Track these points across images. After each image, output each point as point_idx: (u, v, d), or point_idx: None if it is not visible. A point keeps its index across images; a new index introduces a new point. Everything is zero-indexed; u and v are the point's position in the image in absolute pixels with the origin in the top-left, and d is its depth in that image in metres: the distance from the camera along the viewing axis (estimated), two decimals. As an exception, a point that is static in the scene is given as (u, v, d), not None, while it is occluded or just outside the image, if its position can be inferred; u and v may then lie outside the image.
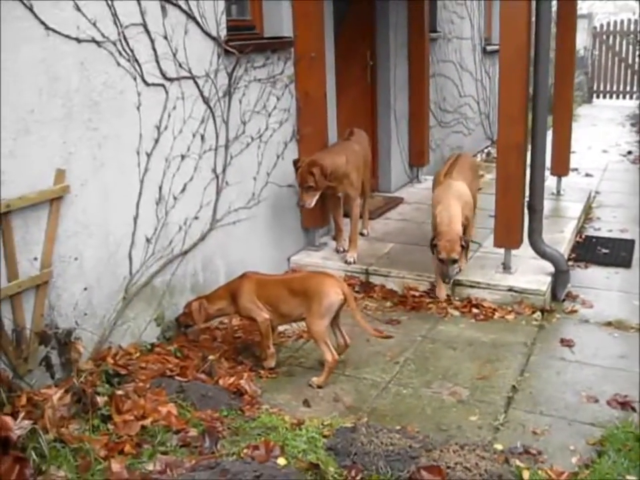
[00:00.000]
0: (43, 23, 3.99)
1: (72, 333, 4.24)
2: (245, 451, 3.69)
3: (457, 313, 5.79)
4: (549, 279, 6.03)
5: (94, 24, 4.32)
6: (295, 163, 6.19)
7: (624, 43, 20.92)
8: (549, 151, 7.91)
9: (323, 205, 6.63)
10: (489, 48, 12.54)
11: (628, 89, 21.16)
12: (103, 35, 4.39)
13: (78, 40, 4.23)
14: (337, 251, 6.80)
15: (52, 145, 4.13)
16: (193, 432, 3.91)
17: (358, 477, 3.54)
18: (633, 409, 4.36)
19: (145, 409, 4.02)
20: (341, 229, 6.85)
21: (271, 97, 6.13)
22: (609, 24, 21.26)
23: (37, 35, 3.98)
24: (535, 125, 5.97)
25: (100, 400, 3.92)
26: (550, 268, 6.11)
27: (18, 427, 3.45)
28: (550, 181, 8.44)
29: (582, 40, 19.63)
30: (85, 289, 4.44)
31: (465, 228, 5.97)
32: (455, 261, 5.70)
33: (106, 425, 3.85)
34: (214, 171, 5.47)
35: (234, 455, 3.68)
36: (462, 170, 6.37)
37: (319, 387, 4.64)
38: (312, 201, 6.08)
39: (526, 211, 6.06)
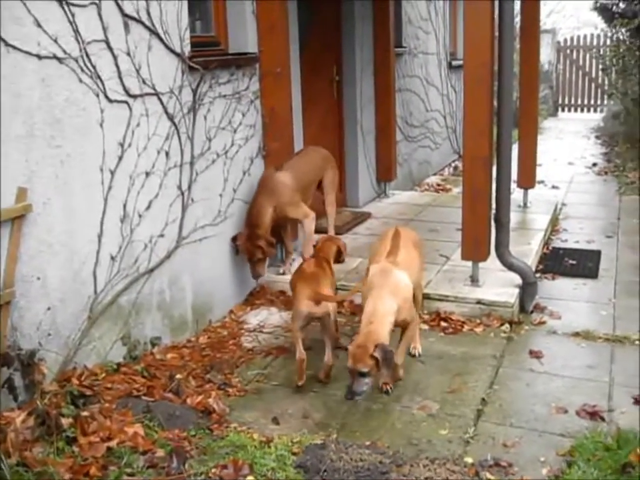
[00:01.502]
0: (2, 39, 3.93)
1: (35, 354, 4.17)
2: (213, 470, 3.67)
3: (425, 327, 5.77)
4: (516, 290, 6.04)
5: (55, 40, 4.27)
6: (234, 239, 6.10)
7: (587, 57, 21.21)
8: (515, 164, 7.97)
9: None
10: (454, 63, 12.64)
11: (592, 102, 21.48)
12: (64, 51, 4.34)
13: (39, 56, 4.18)
14: (281, 274, 6.57)
15: (13, 163, 4.06)
16: (160, 452, 3.86)
17: (328, 495, 3.51)
18: (602, 419, 4.37)
19: (111, 430, 3.96)
20: (290, 251, 6.80)
21: (237, 113, 6.10)
22: (572, 38, 21.59)
23: (-3, 52, 3.93)
24: (500, 138, 6.00)
25: (65, 422, 3.86)
26: (518, 280, 6.12)
27: (-20, 452, 3.39)
28: (517, 194, 8.49)
29: (546, 54, 19.89)
30: (49, 308, 4.37)
31: (403, 330, 4.82)
32: (363, 374, 4.31)
33: (71, 447, 3.79)
34: (179, 187, 5.43)
35: (202, 475, 3.65)
36: (407, 250, 5.01)
37: None
38: (264, 270, 6.21)
39: (493, 223, 6.07)
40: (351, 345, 4.40)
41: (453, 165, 13.03)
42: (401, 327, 4.76)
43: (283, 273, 6.51)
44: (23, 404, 4.07)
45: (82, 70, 4.50)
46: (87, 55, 4.52)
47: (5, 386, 4.06)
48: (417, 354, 5.24)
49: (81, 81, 4.50)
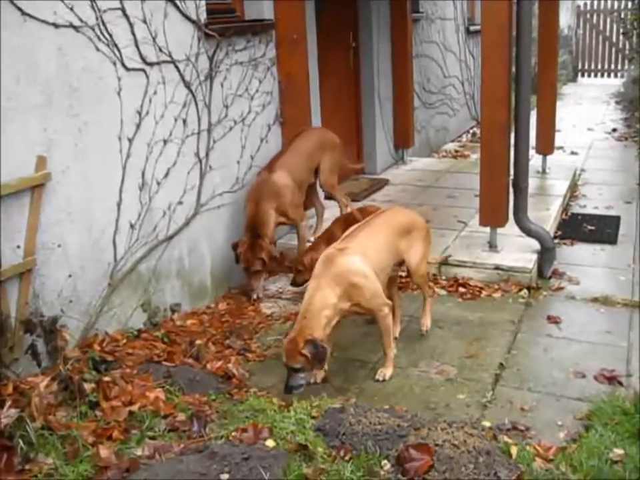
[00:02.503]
0: (19, 9, 3.94)
1: (57, 321, 4.21)
2: (233, 433, 3.68)
3: (443, 293, 5.79)
4: (535, 256, 6.04)
5: (71, 9, 4.28)
6: (235, 247, 5.73)
7: (608, 21, 20.90)
8: (534, 130, 7.93)
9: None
10: (472, 28, 12.52)
11: (612, 67, 21.17)
12: (80, 19, 4.35)
13: (55, 25, 4.19)
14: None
15: (32, 132, 4.09)
16: (181, 416, 3.90)
17: (347, 457, 3.53)
18: (620, 384, 4.38)
19: (133, 395, 4.01)
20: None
21: (253, 80, 6.10)
22: (592, 2, 21.24)
23: (14, 21, 3.93)
24: (518, 104, 5.96)
25: (87, 387, 3.90)
26: (536, 245, 6.12)
27: (5, 416, 3.44)
28: (535, 160, 8.46)
29: (566, 19, 19.63)
30: (70, 276, 4.42)
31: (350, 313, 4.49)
32: (296, 370, 4.20)
33: (93, 411, 3.83)
34: (197, 155, 5.45)
35: (222, 438, 3.67)
36: (375, 234, 4.65)
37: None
38: (260, 284, 5.82)
39: (511, 189, 6.05)
40: (284, 339, 4.32)
41: (471, 131, 12.95)
42: (371, 314, 4.62)
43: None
44: (46, 369, 4.12)
45: (98, 38, 4.51)
46: (103, 23, 4.52)
47: (29, 352, 4.12)
48: (381, 378, 4.59)
49: (97, 49, 4.51)
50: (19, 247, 4.06)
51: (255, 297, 5.76)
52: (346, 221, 5.50)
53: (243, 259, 5.65)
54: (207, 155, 5.54)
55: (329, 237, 5.37)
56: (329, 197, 7.01)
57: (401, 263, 4.86)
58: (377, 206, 5.96)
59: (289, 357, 4.18)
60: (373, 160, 9.04)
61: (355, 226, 4.76)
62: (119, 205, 4.75)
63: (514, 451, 3.58)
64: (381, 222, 4.77)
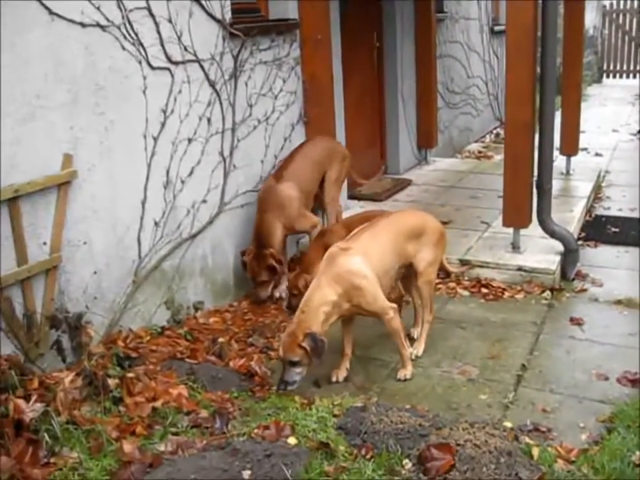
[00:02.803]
0: (47, 8, 3.99)
1: (82, 317, 4.28)
2: (255, 431, 3.71)
3: (466, 293, 5.79)
4: (558, 258, 6.02)
5: (98, 8, 4.32)
6: (243, 253, 5.67)
7: (634, 21, 20.74)
8: (558, 131, 7.89)
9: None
10: (496, 28, 12.49)
11: (638, 67, 20.99)
12: (107, 19, 4.39)
13: (82, 24, 4.24)
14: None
15: (59, 130, 4.14)
16: (204, 413, 3.94)
17: (368, 456, 3.54)
18: (643, 386, 4.36)
19: (156, 391, 4.05)
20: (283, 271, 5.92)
21: (277, 80, 6.13)
22: (618, 2, 21.07)
23: (42, 21, 3.98)
24: (542, 104, 5.94)
25: (111, 382, 3.94)
26: (559, 247, 6.09)
27: (30, 410, 3.49)
28: (559, 161, 8.42)
29: (591, 19, 19.49)
30: (95, 272, 4.47)
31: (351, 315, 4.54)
32: (293, 364, 4.22)
33: (117, 407, 3.87)
34: (221, 154, 5.49)
35: (244, 435, 3.69)
36: (380, 236, 4.60)
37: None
38: (268, 291, 5.68)
39: (535, 190, 6.04)
40: (282, 333, 4.32)
41: (494, 132, 12.91)
42: (375, 317, 4.56)
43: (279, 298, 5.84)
44: (70, 365, 4.18)
45: (124, 37, 4.55)
46: (130, 22, 4.57)
47: (54, 347, 4.18)
48: (403, 378, 4.58)
49: (123, 48, 4.55)
50: (45, 243, 4.11)
51: (264, 296, 5.67)
52: (327, 237, 5.35)
53: (249, 268, 5.58)
54: (230, 153, 5.57)
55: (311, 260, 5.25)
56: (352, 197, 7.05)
57: (410, 265, 4.80)
58: (378, 211, 5.75)
59: (287, 349, 4.18)
60: (396, 160, 9.04)
61: (361, 226, 4.72)
62: (143, 202, 4.79)
63: (535, 452, 3.58)
64: (388, 223, 4.73)
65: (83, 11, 4.22)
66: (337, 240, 4.75)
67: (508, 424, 3.93)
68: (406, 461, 3.51)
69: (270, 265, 5.51)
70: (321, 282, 4.30)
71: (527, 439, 3.73)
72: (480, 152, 11.34)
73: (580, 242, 6.74)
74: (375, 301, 4.38)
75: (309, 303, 4.26)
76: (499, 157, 10.35)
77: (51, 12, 4.01)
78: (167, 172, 4.97)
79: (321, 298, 4.25)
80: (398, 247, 4.63)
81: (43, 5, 3.96)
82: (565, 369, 4.66)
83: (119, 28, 4.48)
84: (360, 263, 4.37)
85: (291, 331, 4.21)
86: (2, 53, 3.75)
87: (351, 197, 7.67)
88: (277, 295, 5.78)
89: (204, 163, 5.30)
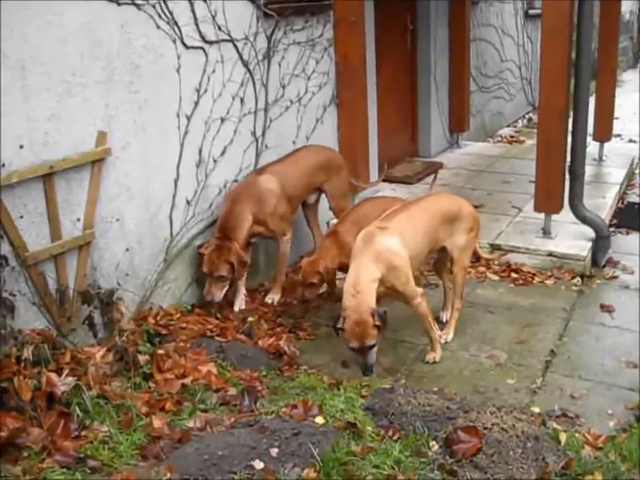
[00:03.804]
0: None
1: (114, 293, 4.32)
2: (283, 409, 3.74)
3: (495, 278, 5.77)
4: (589, 244, 5.98)
5: (134, -14, 4.34)
6: (200, 247, 5.05)
7: (671, 6, 20.45)
8: (592, 117, 7.81)
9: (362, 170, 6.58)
10: (531, 12, 12.34)
11: (674, 53, 20.70)
12: (143, -3, 4.41)
13: (118, 3, 4.26)
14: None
15: (94, 108, 4.17)
16: (233, 391, 3.99)
17: (395, 437, 3.56)
18: (673, 374, 4.34)
19: (185, 368, 4.09)
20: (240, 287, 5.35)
21: (310, 61, 6.12)
22: (656, -13, 20.78)
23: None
24: (577, 89, 5.89)
25: (141, 358, 3.99)
26: (590, 233, 6.05)
27: (62, 383, 3.54)
28: (592, 147, 8.33)
29: (628, 4, 19.23)
30: (127, 249, 4.51)
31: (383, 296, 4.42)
32: (371, 347, 4.15)
33: (147, 383, 3.93)
34: (253, 134, 5.50)
35: (272, 414, 3.72)
36: (415, 218, 4.57)
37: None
38: (221, 293, 4.95)
39: (567, 176, 6.00)
40: (346, 324, 4.11)
41: (526, 116, 12.79)
42: (404, 300, 4.49)
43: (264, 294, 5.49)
44: (101, 340, 4.23)
45: (159, 16, 4.56)
46: (164, 1, 4.58)
47: (85, 323, 4.23)
48: (431, 360, 4.60)
49: (158, 27, 4.57)
50: (78, 219, 4.15)
51: (216, 298, 4.96)
52: (339, 237, 5.09)
53: (207, 260, 4.88)
54: (263, 134, 5.59)
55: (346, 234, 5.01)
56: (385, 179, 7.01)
57: (442, 249, 4.81)
58: (389, 199, 5.48)
59: (364, 336, 4.08)
60: (427, 143, 9.00)
61: (394, 207, 4.71)
62: (175, 181, 4.83)
63: (563, 437, 3.57)
64: (422, 206, 4.70)
65: (119, -11, 4.25)
66: (350, 238, 4.66)
67: (535, 409, 3.93)
68: (433, 443, 3.52)
69: (230, 260, 4.90)
70: (364, 260, 4.20)
71: (555, 425, 3.73)
72: (512, 136, 11.25)
73: (612, 229, 6.69)
74: (408, 282, 4.35)
75: (359, 282, 4.15)
76: (530, 142, 10.27)
77: (87, -10, 4.04)
78: (200, 151, 5.00)
79: (369, 275, 4.16)
80: (431, 230, 4.60)
81: (80, -17, 3.99)
82: (594, 355, 4.64)
83: (153, 7, 4.50)
84: (397, 242, 4.33)
85: (358, 319, 4.08)
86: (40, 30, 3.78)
87: (383, 179, 7.63)
88: (235, 308, 5.19)
89: (236, 142, 5.32)
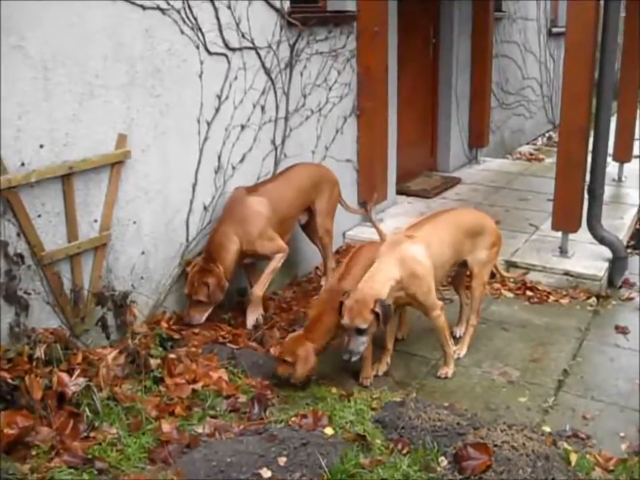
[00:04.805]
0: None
1: (128, 296, 4.32)
2: (293, 419, 3.74)
3: (510, 295, 5.75)
4: (606, 264, 5.94)
5: (159, -9, 4.36)
6: (188, 264, 4.83)
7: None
8: (612, 137, 7.77)
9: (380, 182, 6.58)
10: (554, 30, 12.34)
11: (697, 76, 20.55)
12: (167, 2, 4.42)
13: (143, 7, 4.27)
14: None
15: (115, 110, 4.18)
16: (243, 398, 3.99)
17: (404, 451, 3.55)
18: (687, 398, 4.29)
19: (197, 373, 4.10)
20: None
21: (332, 71, 6.13)
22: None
23: (104, 2, 4.02)
24: (599, 108, 5.86)
25: (153, 362, 4.00)
26: (608, 254, 6.02)
27: (73, 384, 3.55)
28: (611, 167, 8.28)
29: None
30: (143, 253, 4.52)
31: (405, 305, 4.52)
32: (361, 332, 4.07)
33: (158, 386, 3.93)
34: (273, 142, 5.51)
35: (282, 422, 3.72)
36: (441, 230, 4.57)
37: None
38: (202, 317, 4.74)
39: (586, 195, 5.97)
40: (346, 300, 4.08)
41: (546, 134, 12.77)
42: (423, 311, 4.47)
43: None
44: (114, 343, 4.23)
45: (184, 21, 4.57)
46: (189, 7, 4.59)
47: (99, 324, 4.23)
48: (443, 375, 4.57)
49: (182, 32, 4.58)
50: (96, 220, 4.16)
51: (195, 321, 4.75)
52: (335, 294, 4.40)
53: (189, 282, 4.71)
54: (282, 142, 5.60)
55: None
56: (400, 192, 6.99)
57: (462, 264, 4.80)
58: (374, 244, 4.88)
59: (356, 316, 4.02)
60: (446, 157, 9.00)
61: (420, 218, 4.72)
62: (194, 186, 4.83)
63: (573, 458, 3.55)
64: (448, 218, 4.71)
65: (145, -7, 4.26)
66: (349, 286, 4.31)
67: (546, 428, 3.92)
68: (442, 458, 3.51)
69: (207, 282, 4.67)
70: (386, 261, 4.19)
71: (565, 445, 3.70)
72: (531, 154, 11.22)
73: (629, 250, 6.64)
74: (430, 293, 4.34)
75: (376, 275, 4.14)
76: (549, 160, 10.23)
77: (113, -7, 4.06)
78: (219, 157, 5.01)
79: (387, 273, 4.14)
80: (456, 242, 4.60)
81: (106, -15, 4.01)
82: (607, 376, 4.60)
83: (178, 12, 4.51)
84: (423, 252, 4.32)
85: (360, 298, 4.05)
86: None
87: (400, 192, 7.64)
88: (248, 325, 4.96)
89: (255, 150, 5.32)
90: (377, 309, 4.02)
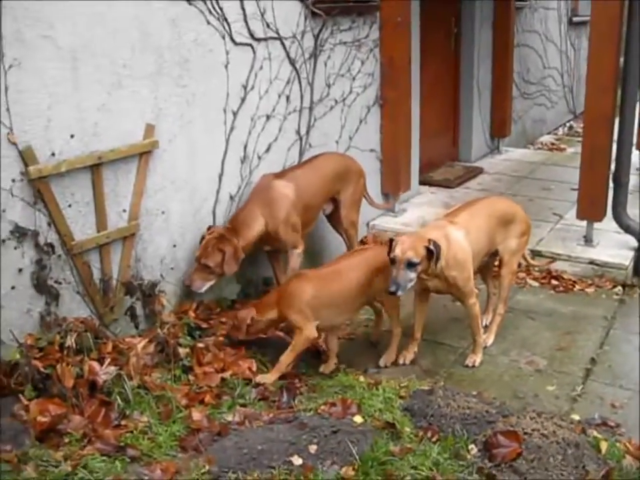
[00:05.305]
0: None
1: (157, 285, 4.35)
2: (322, 407, 3.74)
3: (535, 284, 5.74)
4: (631, 253, 5.91)
5: (185, -19, 4.37)
6: (209, 228, 4.75)
7: None
8: (636, 125, 7.72)
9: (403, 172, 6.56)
10: (575, 19, 12.23)
11: None
12: (193, -7, 4.44)
13: (169, -3, 4.29)
14: None
15: (143, 100, 4.20)
16: (271, 387, 3.99)
17: (434, 438, 3.54)
18: None
19: (225, 362, 4.12)
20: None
21: (356, 61, 6.12)
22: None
23: (131, -8, 4.05)
24: (624, 96, 5.82)
25: (182, 351, 4.02)
26: (633, 242, 5.97)
27: (104, 372, 3.59)
28: (634, 156, 8.21)
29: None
30: (172, 243, 4.55)
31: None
32: (411, 265, 4.03)
33: (187, 375, 3.95)
34: (298, 132, 5.52)
35: (311, 411, 3.73)
36: (477, 217, 4.57)
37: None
38: (203, 285, 4.60)
39: (611, 184, 5.94)
40: (398, 238, 4.11)
41: (567, 124, 12.69)
42: (459, 298, 4.51)
43: None
44: (142, 332, 4.26)
45: (209, 12, 4.59)
46: (215, -3, 4.60)
47: (127, 313, 4.26)
48: (471, 364, 4.56)
49: (208, 22, 4.59)
50: (125, 210, 4.18)
51: (195, 287, 4.62)
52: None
53: (202, 245, 4.60)
54: (307, 132, 5.60)
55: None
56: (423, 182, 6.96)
57: (493, 253, 4.80)
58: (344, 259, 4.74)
59: (410, 248, 4.01)
60: (468, 147, 8.97)
61: (457, 206, 4.74)
62: (220, 176, 4.85)
63: (603, 446, 3.53)
64: (483, 206, 4.72)
65: (171, -17, 4.27)
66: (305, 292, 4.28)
67: (575, 416, 3.90)
68: (472, 446, 3.49)
69: (223, 250, 4.56)
70: (435, 235, 4.17)
71: (595, 433, 3.68)
72: (552, 144, 11.16)
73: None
74: (469, 279, 4.37)
75: (430, 232, 4.24)
76: (571, 150, 10.20)
77: (138, -17, 4.07)
78: (245, 147, 5.02)
79: (440, 241, 4.14)
80: (490, 230, 4.61)
81: (133, -24, 4.02)
82: (635, 365, 4.57)
83: (204, 2, 4.52)
84: (463, 237, 4.33)
85: (415, 236, 4.14)
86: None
87: (423, 182, 7.63)
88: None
89: (281, 140, 5.33)
90: (432, 247, 4.02)
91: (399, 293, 4.06)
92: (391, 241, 4.12)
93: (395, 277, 4.03)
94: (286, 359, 4.16)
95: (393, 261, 4.06)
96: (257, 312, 4.25)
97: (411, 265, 4.02)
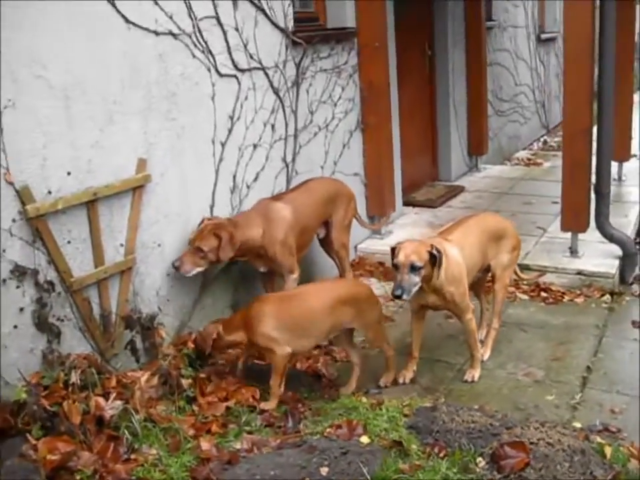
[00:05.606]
0: (124, 17, 4.10)
1: (155, 318, 4.37)
2: (328, 430, 3.76)
3: (525, 297, 5.81)
4: (617, 262, 6.01)
5: (171, 17, 4.42)
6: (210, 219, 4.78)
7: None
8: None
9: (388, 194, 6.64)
10: (543, 36, 12.45)
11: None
12: (179, 27, 4.49)
13: (156, 33, 4.34)
14: None
15: (134, 135, 4.25)
16: (276, 412, 4.02)
17: (441, 454, 3.57)
18: None
19: (228, 391, 4.14)
20: None
21: (336, 87, 6.22)
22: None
23: (119, 29, 4.09)
24: (600, 109, 5.95)
25: (185, 382, 4.04)
26: (617, 251, 6.08)
27: (110, 407, 3.59)
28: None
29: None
30: (167, 274, 4.56)
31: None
32: (415, 268, 4.07)
33: (191, 406, 3.97)
34: (284, 160, 5.58)
35: (318, 434, 3.75)
36: (470, 234, 4.65)
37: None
38: (192, 269, 4.55)
39: (592, 195, 6.04)
40: (401, 244, 4.18)
41: (542, 139, 12.87)
42: (455, 314, 4.57)
43: None
44: (143, 365, 4.27)
45: (195, 45, 4.65)
46: (200, 31, 4.67)
47: (128, 347, 4.27)
48: (470, 379, 4.61)
49: (194, 56, 4.65)
50: (122, 245, 4.21)
51: (183, 271, 4.55)
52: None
53: (198, 229, 4.62)
54: (293, 159, 5.67)
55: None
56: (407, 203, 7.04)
57: (485, 268, 4.87)
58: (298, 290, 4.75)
59: (414, 252, 4.07)
60: (448, 166, 9.08)
61: (449, 224, 4.82)
62: (211, 207, 4.90)
63: (608, 451, 3.58)
64: (474, 223, 4.80)
65: (157, 19, 4.33)
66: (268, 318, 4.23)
67: (577, 424, 3.95)
68: (479, 459, 3.53)
69: (220, 236, 4.55)
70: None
71: (598, 439, 3.74)
72: (529, 159, 11.28)
73: (637, 246, 6.71)
74: (465, 295, 4.44)
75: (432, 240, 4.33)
76: (548, 164, 10.36)
77: (127, 20, 4.12)
78: (234, 177, 5.08)
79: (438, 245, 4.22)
80: (483, 246, 4.69)
81: (120, 13, 4.07)
82: (630, 370, 4.66)
83: (190, 36, 4.58)
84: (459, 254, 4.40)
85: (417, 242, 4.22)
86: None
87: (406, 203, 7.71)
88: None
89: (268, 168, 5.40)
90: (435, 252, 4.09)
91: (404, 296, 4.11)
92: (393, 248, 4.19)
93: (399, 281, 4.09)
94: (274, 382, 4.18)
95: (396, 267, 4.12)
96: (223, 329, 4.23)
97: (414, 269, 4.08)
